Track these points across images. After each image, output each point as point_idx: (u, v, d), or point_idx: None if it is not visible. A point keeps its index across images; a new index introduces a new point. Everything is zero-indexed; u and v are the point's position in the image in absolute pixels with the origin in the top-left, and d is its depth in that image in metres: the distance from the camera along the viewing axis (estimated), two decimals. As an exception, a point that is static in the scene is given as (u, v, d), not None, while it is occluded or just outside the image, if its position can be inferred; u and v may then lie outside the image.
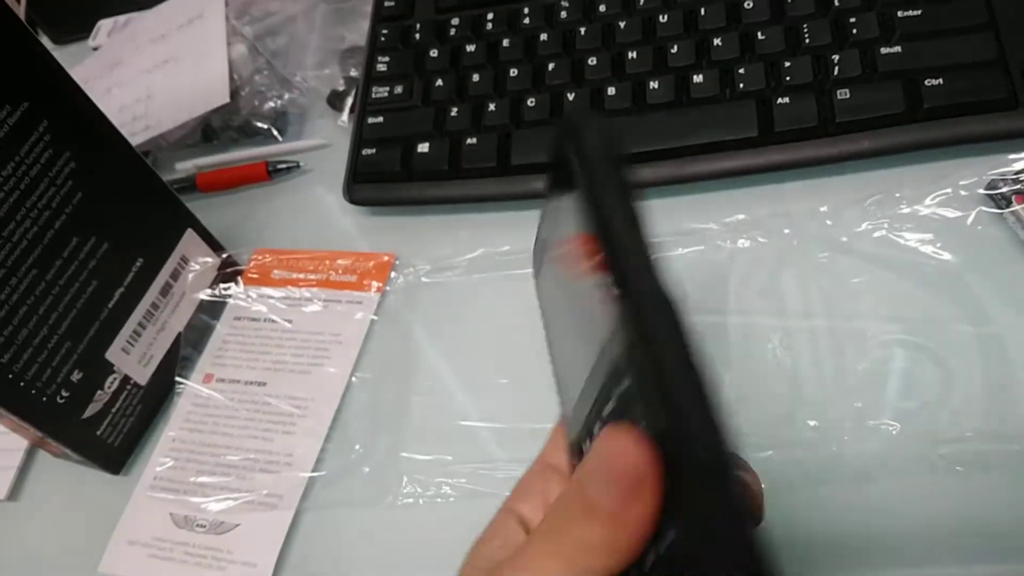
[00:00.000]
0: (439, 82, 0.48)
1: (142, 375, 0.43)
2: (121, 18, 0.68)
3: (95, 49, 0.67)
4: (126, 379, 0.42)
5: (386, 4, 0.52)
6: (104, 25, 0.68)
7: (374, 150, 0.48)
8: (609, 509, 0.17)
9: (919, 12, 0.41)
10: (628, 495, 0.16)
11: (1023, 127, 0.38)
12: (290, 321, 0.45)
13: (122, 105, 0.58)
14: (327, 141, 0.53)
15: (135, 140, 0.54)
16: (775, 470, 0.33)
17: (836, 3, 0.42)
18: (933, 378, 0.35)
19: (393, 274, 0.46)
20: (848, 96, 0.40)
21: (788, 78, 0.41)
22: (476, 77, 0.47)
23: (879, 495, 0.33)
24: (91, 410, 0.40)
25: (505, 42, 0.48)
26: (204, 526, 0.39)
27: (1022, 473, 0.31)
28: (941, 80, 0.39)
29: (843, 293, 0.38)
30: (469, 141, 0.46)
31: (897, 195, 0.39)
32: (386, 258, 0.46)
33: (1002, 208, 0.37)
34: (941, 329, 0.36)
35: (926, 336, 0.36)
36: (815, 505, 0.33)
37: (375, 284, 0.45)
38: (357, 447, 0.40)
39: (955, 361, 0.35)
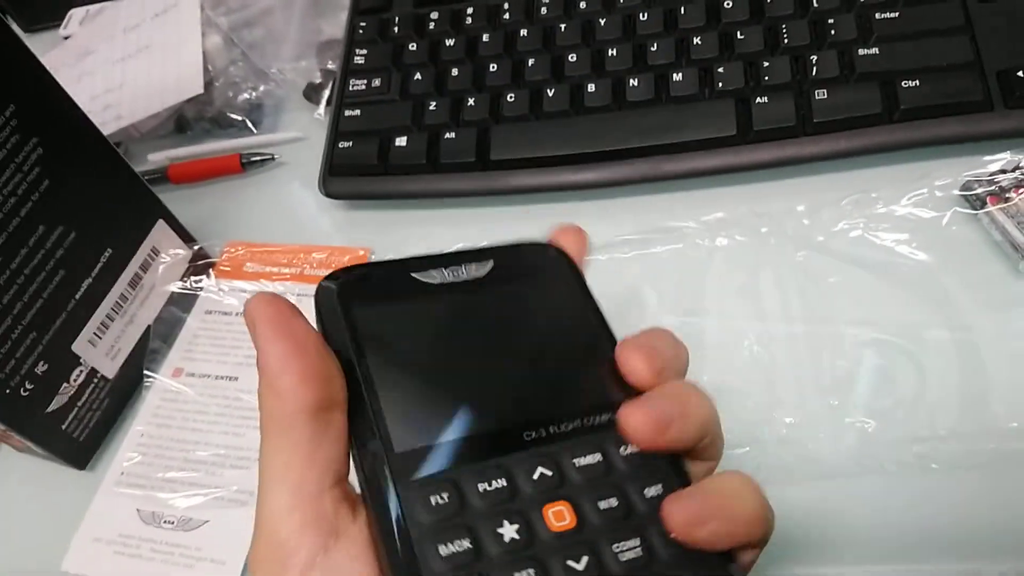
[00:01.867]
0: (417, 76, 0.48)
1: (109, 368, 0.42)
2: (93, 7, 0.66)
3: (66, 38, 0.66)
4: (93, 372, 0.41)
5: (365, -4, 0.52)
6: (76, 14, 0.67)
7: (350, 143, 0.47)
8: None
9: (896, 14, 0.41)
10: None
11: (998, 129, 0.38)
12: (263, 315, 0.44)
13: (93, 94, 0.57)
14: (303, 134, 0.53)
15: (106, 130, 0.52)
16: (751, 467, 0.33)
17: (815, 4, 0.43)
18: (908, 377, 0.35)
19: (369, 269, 0.45)
20: (826, 96, 0.40)
21: (767, 78, 0.42)
22: (455, 71, 0.47)
23: (854, 492, 0.33)
24: (56, 403, 0.39)
25: (484, 37, 0.48)
26: (172, 523, 0.38)
27: (996, 471, 0.32)
28: (918, 82, 0.39)
29: (820, 292, 0.38)
30: (447, 135, 0.45)
31: (873, 195, 0.39)
32: (361, 252, 0.46)
33: (976, 209, 0.37)
34: (916, 328, 0.36)
35: (901, 335, 0.36)
36: (790, 502, 0.33)
37: (350, 279, 0.45)
38: (330, 443, 0.39)
39: (930, 360, 0.35)
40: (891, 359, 0.35)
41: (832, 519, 0.32)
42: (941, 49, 0.40)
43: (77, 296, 0.39)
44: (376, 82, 0.48)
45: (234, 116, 0.53)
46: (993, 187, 0.37)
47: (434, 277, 0.24)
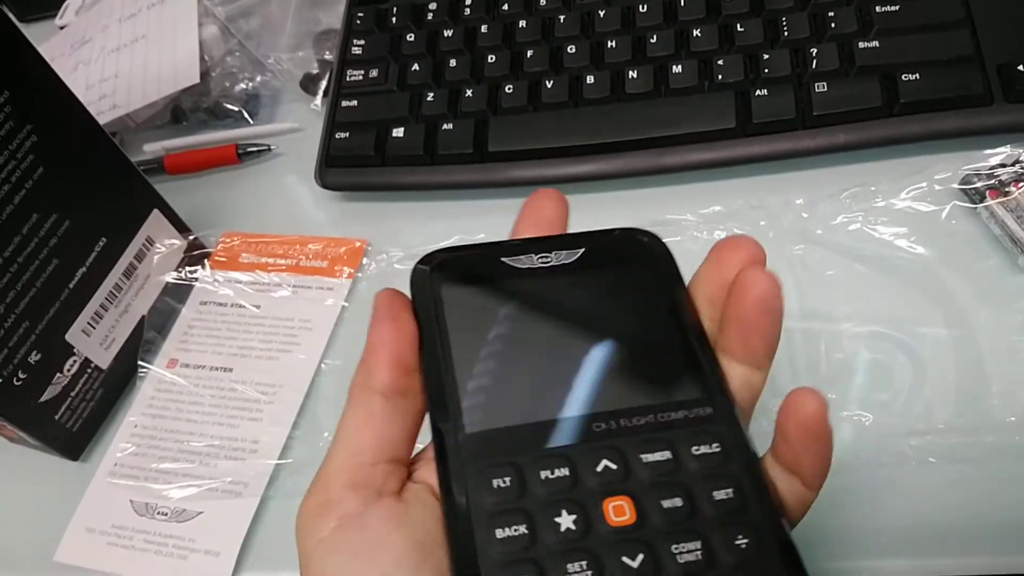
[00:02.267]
0: (415, 66, 0.47)
1: (103, 358, 0.42)
2: (89, -4, 0.66)
3: (62, 27, 0.65)
4: (87, 362, 0.41)
5: (362, -13, 0.51)
6: (72, 3, 0.66)
7: (347, 134, 0.47)
8: None
9: (897, 7, 0.41)
10: None
11: (998, 123, 0.38)
12: (258, 306, 0.44)
13: (89, 84, 0.56)
14: (299, 125, 0.52)
15: (102, 119, 0.52)
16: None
17: (815, -3, 0.42)
18: (906, 370, 0.35)
19: (365, 260, 0.45)
20: (826, 89, 0.40)
21: (766, 70, 0.41)
22: (453, 62, 0.47)
23: (851, 485, 0.33)
24: (49, 393, 0.39)
25: (483, 28, 0.47)
26: (166, 514, 0.38)
27: (993, 465, 0.32)
28: (918, 75, 0.39)
29: (818, 285, 0.38)
30: (445, 127, 0.45)
31: (872, 189, 0.39)
32: (358, 244, 0.46)
33: (976, 203, 0.37)
34: (914, 322, 0.36)
35: (899, 329, 0.36)
36: (788, 496, 0.33)
37: (346, 270, 0.45)
38: (325, 435, 0.39)
39: (927, 354, 0.35)
40: (888, 352, 0.35)
41: (828, 513, 0.32)
42: (941, 43, 0.40)
43: (71, 285, 0.39)
44: (373, 73, 0.48)
45: (230, 106, 0.53)
46: (993, 181, 0.37)
47: (523, 262, 0.25)
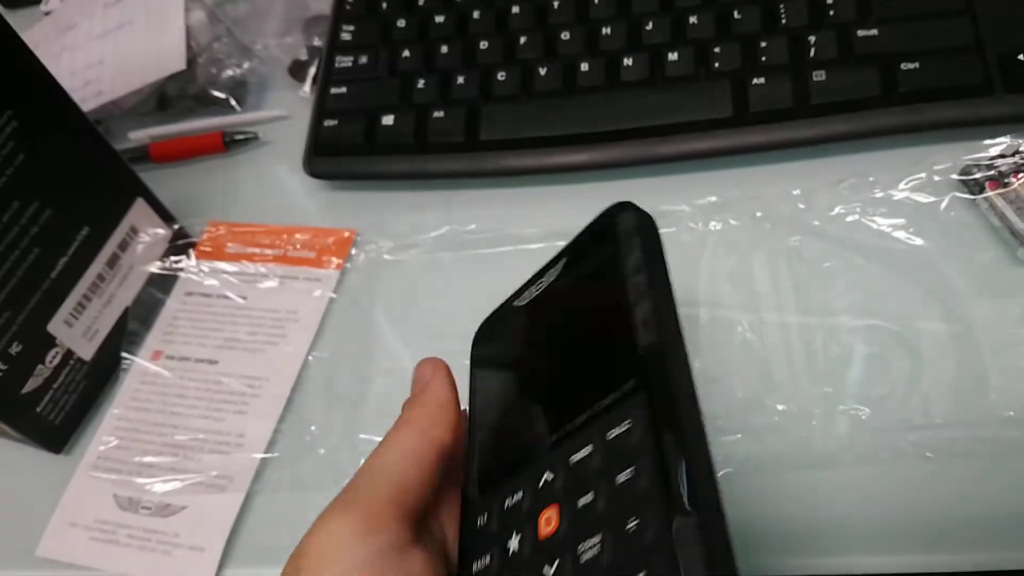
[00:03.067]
0: (406, 53, 0.46)
1: (86, 350, 0.41)
2: (74, -19, 0.65)
3: (47, 14, 0.64)
4: (69, 353, 0.40)
5: (353, -29, 0.50)
6: (56, -12, 0.65)
7: (336, 121, 0.46)
8: None
9: (897, -5, 0.40)
10: None
11: (998, 113, 0.38)
12: (244, 297, 0.43)
13: (73, 70, 0.55)
14: (287, 112, 0.51)
15: (86, 106, 0.51)
16: (743, 454, 0.33)
17: (814, -17, 0.42)
18: (903, 364, 0.34)
19: (354, 251, 0.44)
20: (824, 78, 0.39)
21: (764, 58, 0.41)
22: (444, 48, 0.46)
23: (848, 480, 0.32)
24: (31, 385, 0.38)
25: (475, 14, 0.47)
26: (149, 508, 0.37)
27: (992, 460, 0.31)
28: (917, 64, 0.39)
29: (814, 277, 0.37)
30: (436, 114, 0.44)
31: (871, 179, 0.39)
32: (347, 234, 0.45)
33: (975, 194, 0.37)
34: (912, 315, 0.35)
35: (897, 322, 0.35)
36: (783, 489, 0.32)
37: (335, 261, 0.44)
38: (312, 428, 0.38)
39: (925, 347, 0.34)
40: (886, 346, 0.35)
41: (825, 508, 0.32)
42: (941, 31, 0.39)
43: (53, 275, 0.38)
44: (363, 59, 0.47)
45: (217, 94, 0.52)
46: (992, 172, 0.37)
47: (525, 297, 0.26)
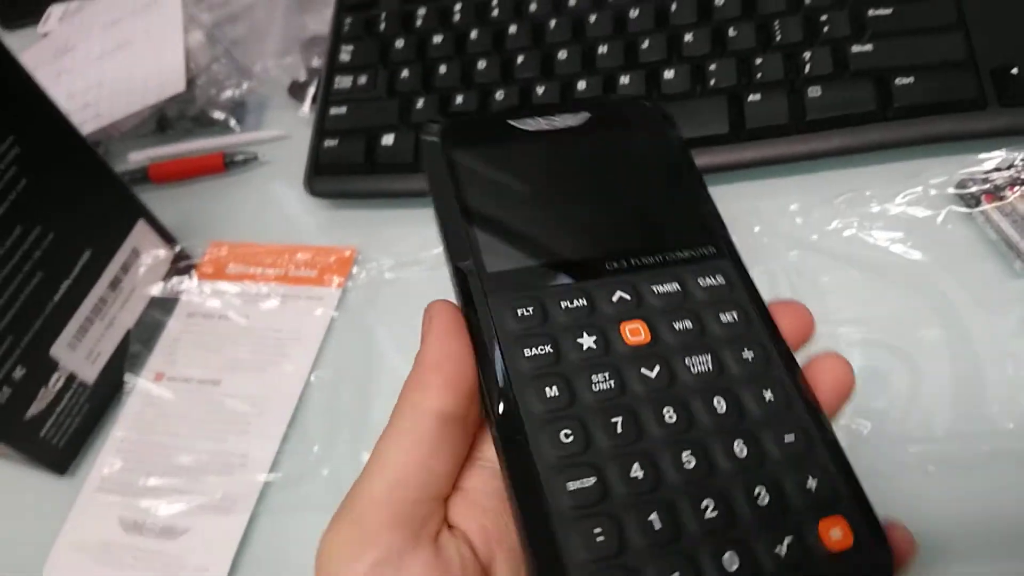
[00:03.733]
0: (405, 73, 0.47)
1: (89, 373, 0.41)
2: (72, 3, 0.65)
3: (44, 35, 0.64)
4: (72, 377, 0.40)
5: (350, -8, 0.51)
6: (55, 10, 0.66)
7: (336, 141, 0.46)
8: None
9: (890, 11, 0.41)
10: None
11: (992, 127, 0.38)
12: (246, 317, 0.43)
13: (71, 92, 0.55)
14: (287, 132, 0.52)
15: (85, 129, 0.52)
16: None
17: (807, 0, 0.42)
18: (903, 377, 0.34)
19: (355, 269, 0.45)
20: (819, 94, 0.40)
21: (759, 75, 0.41)
22: (443, 68, 0.46)
23: (850, 496, 0.32)
24: (34, 409, 0.38)
25: (473, 34, 0.47)
26: (154, 530, 0.37)
27: (993, 472, 0.31)
28: (912, 79, 0.39)
29: (813, 292, 0.37)
30: (435, 134, 0.44)
31: (867, 193, 0.39)
32: (348, 253, 0.45)
33: (971, 208, 0.37)
34: (911, 329, 0.35)
35: (896, 335, 0.35)
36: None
37: (336, 279, 0.44)
38: (316, 448, 0.38)
39: (925, 361, 0.34)
40: (885, 359, 0.35)
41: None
42: (935, 46, 0.40)
43: (55, 299, 0.38)
44: (362, 79, 0.48)
45: (217, 114, 0.52)
46: (988, 185, 0.37)
47: (530, 125, 0.26)
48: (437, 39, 0.47)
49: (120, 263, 0.42)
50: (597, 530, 0.19)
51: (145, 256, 0.43)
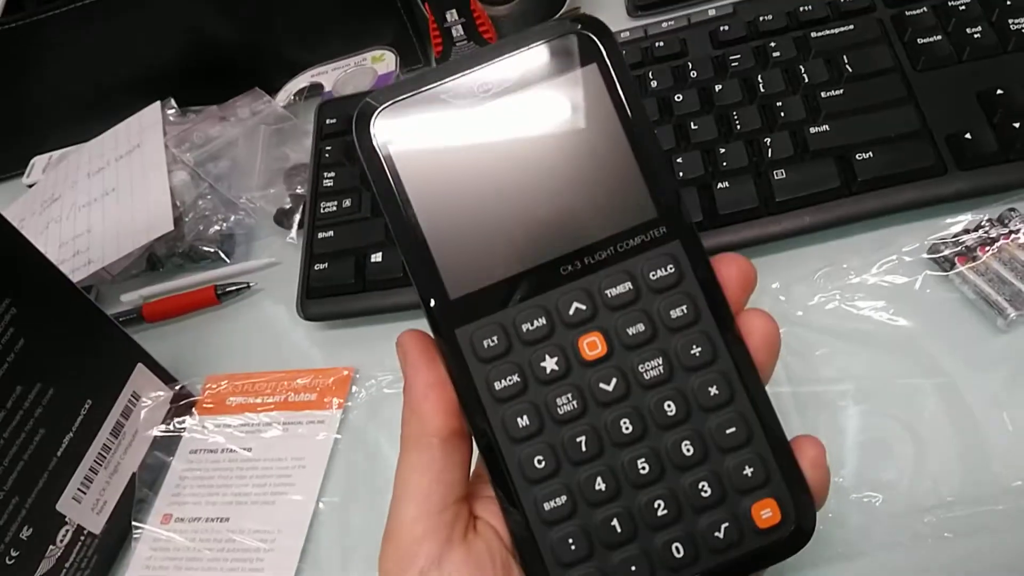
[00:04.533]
0: (386, 193, 0.48)
1: (96, 523, 0.41)
2: (56, 153, 0.67)
3: (30, 186, 0.66)
4: (79, 529, 0.40)
5: (327, 122, 0.53)
6: (38, 161, 0.67)
7: (326, 264, 0.47)
8: None
9: (841, 91, 0.43)
10: None
11: (955, 191, 0.40)
12: (249, 449, 0.43)
13: (62, 241, 0.57)
14: (277, 259, 0.53)
15: (77, 275, 0.53)
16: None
17: (762, 89, 0.44)
18: (907, 445, 0.35)
19: (354, 388, 0.45)
20: (784, 176, 0.41)
21: (725, 163, 0.43)
22: (422, 185, 0.48)
23: (872, 570, 0.32)
24: (44, 567, 0.38)
25: (448, 149, 0.49)
26: None
27: (1008, 531, 0.31)
28: (871, 153, 0.41)
29: (806, 367, 0.38)
30: (421, 248, 0.46)
31: (844, 266, 0.40)
32: (345, 372, 0.45)
33: (947, 270, 0.38)
34: (906, 395, 0.36)
35: (893, 404, 0.36)
36: (809, 589, 0.32)
37: (336, 401, 0.44)
38: (331, 577, 0.38)
39: (924, 427, 0.35)
40: (887, 429, 0.35)
41: (853, 602, 0.32)
42: (889, 120, 0.42)
43: (59, 453, 0.38)
44: (347, 202, 0.49)
45: (206, 248, 0.54)
46: (960, 247, 0.38)
47: (463, 91, 0.24)
48: (414, 157, 0.49)
49: (120, 409, 0.42)
50: (570, 540, 0.23)
51: (145, 399, 0.44)
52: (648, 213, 0.24)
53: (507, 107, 0.24)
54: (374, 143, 0.24)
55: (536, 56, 0.25)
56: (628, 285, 0.24)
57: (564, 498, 0.24)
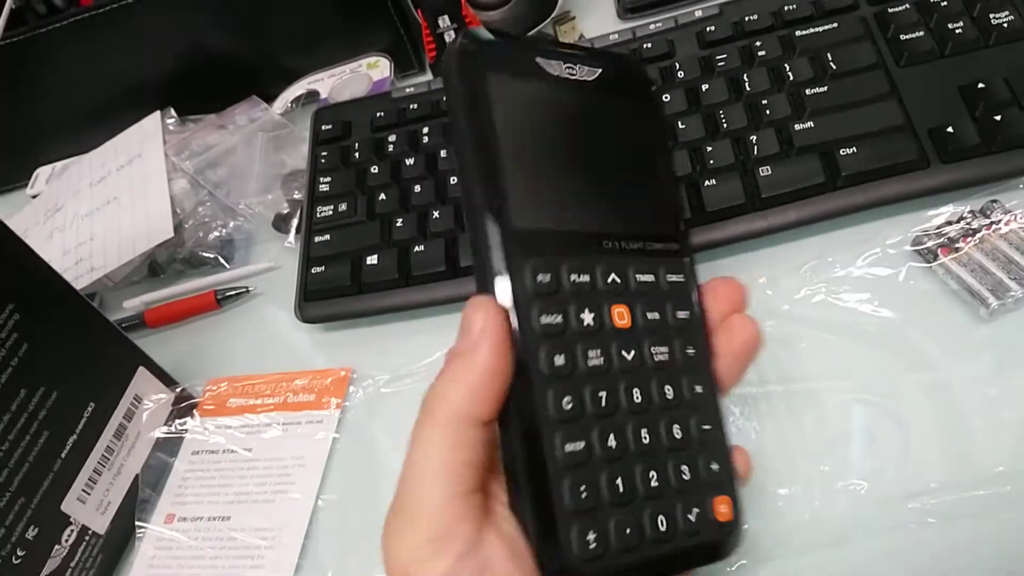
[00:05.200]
0: (382, 196, 0.49)
1: (100, 523, 0.41)
2: (58, 164, 0.68)
3: (34, 197, 0.67)
4: (84, 530, 0.40)
5: (323, 128, 0.54)
6: (42, 172, 0.69)
7: (323, 267, 0.48)
8: None
9: (825, 88, 0.44)
10: None
11: (938, 183, 0.40)
12: (250, 449, 0.44)
13: (65, 250, 0.58)
14: (275, 263, 0.54)
15: (80, 283, 0.54)
16: (752, 543, 0.33)
17: (747, 88, 0.45)
18: (892, 434, 0.35)
19: (352, 388, 0.46)
20: (770, 172, 0.42)
21: (712, 161, 0.43)
22: (418, 188, 0.49)
23: (857, 556, 0.33)
24: (49, 567, 0.39)
25: (442, 153, 0.50)
26: (176, 678, 0.37)
27: (990, 517, 0.32)
28: (855, 148, 0.41)
29: (794, 359, 0.39)
30: (417, 248, 0.47)
31: (830, 260, 0.41)
32: (343, 373, 0.46)
33: (930, 262, 0.39)
34: (892, 384, 0.37)
35: (879, 393, 0.36)
36: (798, 573, 0.33)
37: (334, 401, 0.45)
38: (329, 574, 0.39)
39: (910, 414, 0.36)
40: (873, 418, 0.36)
41: (840, 587, 0.32)
42: (872, 115, 0.42)
43: (63, 455, 0.39)
44: (343, 207, 0.50)
45: (206, 254, 0.55)
46: (942, 239, 0.39)
47: (554, 68, 0.28)
48: (409, 161, 0.50)
49: (123, 411, 0.43)
50: (582, 487, 0.24)
51: (147, 401, 0.44)
52: (670, 230, 0.29)
53: (589, 96, 0.29)
54: (476, 73, 0.27)
55: (616, 72, 0.30)
56: (651, 277, 0.28)
57: (583, 444, 0.25)
